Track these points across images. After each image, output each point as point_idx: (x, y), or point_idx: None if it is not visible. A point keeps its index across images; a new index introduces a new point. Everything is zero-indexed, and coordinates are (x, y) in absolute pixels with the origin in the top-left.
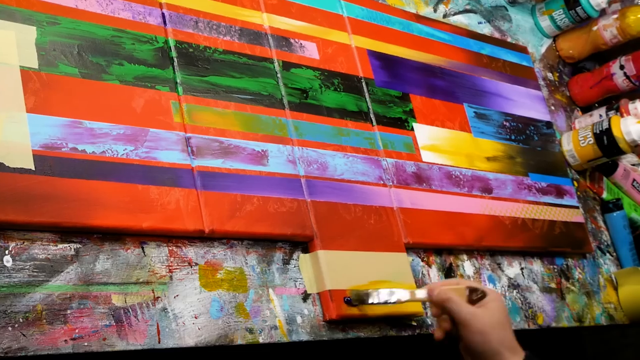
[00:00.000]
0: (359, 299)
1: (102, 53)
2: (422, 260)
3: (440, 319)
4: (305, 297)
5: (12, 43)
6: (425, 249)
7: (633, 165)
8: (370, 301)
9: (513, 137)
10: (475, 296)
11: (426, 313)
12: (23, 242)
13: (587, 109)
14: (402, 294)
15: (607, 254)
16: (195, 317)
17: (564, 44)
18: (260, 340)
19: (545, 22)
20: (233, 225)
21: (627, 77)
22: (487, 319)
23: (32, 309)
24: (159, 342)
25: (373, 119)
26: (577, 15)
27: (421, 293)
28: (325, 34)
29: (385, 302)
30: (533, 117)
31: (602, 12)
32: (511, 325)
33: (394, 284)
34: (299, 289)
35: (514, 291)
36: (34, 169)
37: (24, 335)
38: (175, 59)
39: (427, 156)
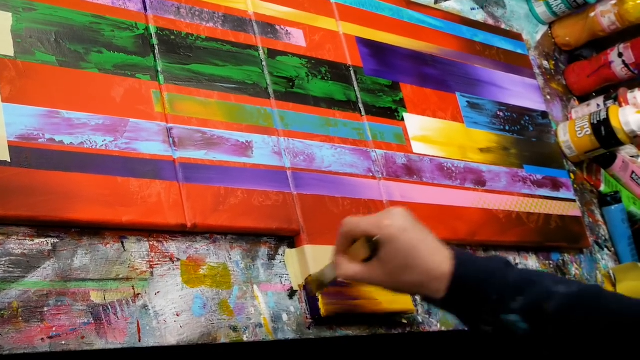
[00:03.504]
0: (317, 285)
1: (80, 40)
2: None
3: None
4: (292, 293)
5: None
6: None
7: (632, 157)
8: (325, 282)
9: (507, 128)
10: (372, 246)
11: (417, 310)
12: None
13: (584, 98)
14: (333, 270)
15: (605, 249)
16: (177, 315)
17: (560, 31)
18: (245, 339)
19: (540, 8)
20: (216, 219)
21: (626, 65)
22: (382, 271)
23: (7, 306)
24: (140, 341)
25: (362, 109)
26: (573, 1)
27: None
28: (312, 21)
29: (334, 279)
30: (528, 107)
31: None
32: (422, 250)
33: None
34: (284, 285)
35: None
36: (9, 160)
37: None
38: (156, 47)
39: (418, 147)
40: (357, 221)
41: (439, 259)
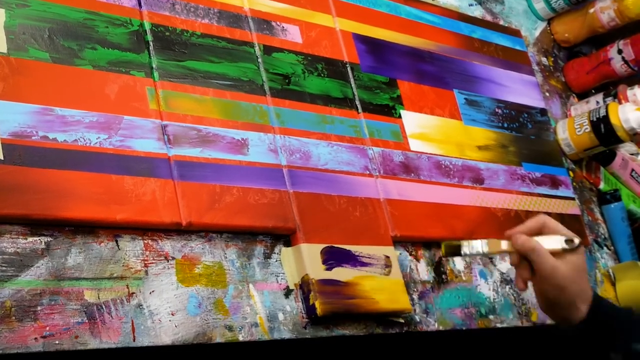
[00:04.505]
0: (452, 251)
1: (74, 37)
2: (410, 254)
3: (520, 267)
4: (288, 292)
5: None
6: (413, 243)
7: (631, 154)
8: (462, 252)
9: (506, 125)
10: (571, 245)
11: (414, 310)
12: None
13: (583, 95)
14: (490, 245)
15: (605, 248)
16: (172, 314)
17: (559, 27)
18: (240, 338)
19: (539, 4)
20: (212, 218)
21: (626, 62)
22: (568, 273)
23: (0, 306)
24: (134, 340)
25: (359, 106)
26: None
27: (505, 244)
28: (308, 17)
29: (477, 254)
30: (527, 104)
31: None
32: (587, 278)
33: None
34: (280, 284)
35: (507, 287)
36: (2, 158)
37: None
38: (150, 43)
39: (415, 145)
40: (541, 223)
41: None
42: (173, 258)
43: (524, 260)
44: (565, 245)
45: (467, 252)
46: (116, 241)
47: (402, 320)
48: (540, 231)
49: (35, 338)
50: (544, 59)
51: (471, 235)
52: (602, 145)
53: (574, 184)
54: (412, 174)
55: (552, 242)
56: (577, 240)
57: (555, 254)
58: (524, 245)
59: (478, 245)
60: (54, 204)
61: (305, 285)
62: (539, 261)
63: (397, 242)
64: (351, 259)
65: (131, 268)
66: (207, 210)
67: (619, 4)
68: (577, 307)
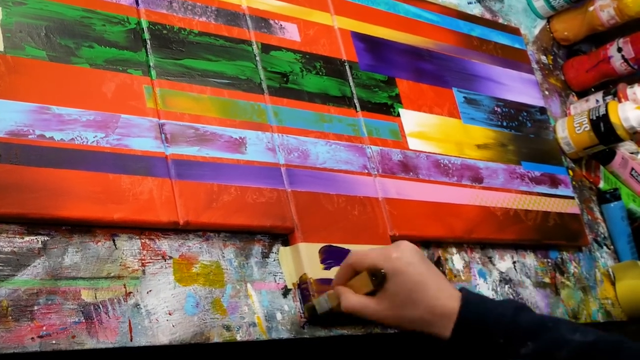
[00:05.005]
0: (310, 313)
1: (71, 35)
2: None
3: None
4: (286, 292)
5: None
6: (412, 242)
7: (631, 153)
8: (318, 311)
9: (505, 124)
10: (377, 279)
11: None
12: None
13: (583, 93)
14: (330, 299)
15: (604, 247)
16: (170, 314)
17: (558, 25)
18: (238, 338)
19: (538, 2)
20: (209, 217)
21: (626, 60)
22: (386, 311)
23: None
24: (131, 340)
25: (357, 105)
26: None
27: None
28: (306, 15)
29: (327, 309)
30: (526, 103)
31: None
32: (429, 285)
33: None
34: (278, 283)
35: (506, 286)
36: None
37: None
38: (148, 41)
39: (414, 144)
40: (365, 253)
41: (445, 296)
42: (170, 257)
43: None
44: (371, 286)
45: (320, 310)
46: (113, 240)
47: None
48: (356, 271)
49: (32, 338)
50: (543, 57)
51: (470, 234)
52: (601, 144)
53: (574, 183)
54: (411, 173)
55: (361, 283)
56: (382, 271)
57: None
58: (345, 307)
59: (323, 302)
60: (50, 203)
61: (303, 285)
62: (350, 309)
63: (396, 241)
64: None
65: (128, 267)
66: (204, 209)
67: (618, 2)
68: (429, 331)
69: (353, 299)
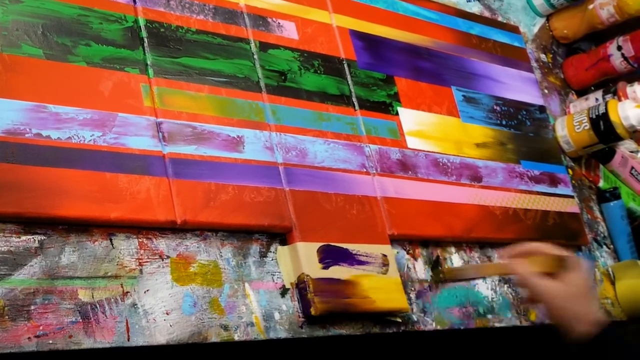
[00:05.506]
0: (452, 277)
1: (67, 33)
2: (408, 253)
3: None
4: (284, 292)
5: None
6: (410, 241)
7: (631, 152)
8: (464, 277)
9: (504, 122)
10: (563, 263)
11: (412, 309)
12: None
13: (582, 92)
14: (488, 269)
15: (604, 246)
16: (167, 313)
17: (558, 24)
18: (236, 338)
19: (538, 0)
20: (207, 216)
21: (625, 58)
22: (562, 294)
23: None
24: (128, 340)
25: (355, 103)
26: None
27: (497, 267)
28: (304, 13)
29: (475, 278)
30: (525, 101)
31: None
32: (592, 295)
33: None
34: (276, 283)
35: (505, 286)
36: None
37: None
38: (145, 39)
39: (412, 142)
40: (542, 244)
41: (598, 311)
42: (168, 257)
43: None
44: (555, 268)
45: (457, 277)
46: (110, 240)
47: (400, 320)
48: (531, 254)
49: (29, 337)
50: (542, 56)
51: (469, 233)
52: (601, 142)
53: (573, 182)
54: (410, 172)
55: (543, 263)
56: (569, 260)
57: (549, 273)
58: (509, 269)
59: (470, 271)
60: (47, 202)
61: (301, 285)
62: (525, 284)
63: (395, 240)
64: (348, 258)
65: (125, 267)
66: (202, 208)
67: (618, 0)
68: (573, 328)
69: (531, 271)
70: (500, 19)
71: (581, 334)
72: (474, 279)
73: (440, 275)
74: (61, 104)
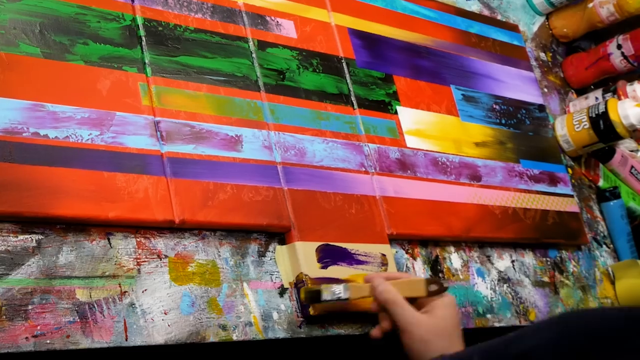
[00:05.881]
0: (311, 296)
1: (65, 32)
2: (407, 253)
3: (380, 315)
4: (282, 291)
5: None
6: (409, 241)
7: (631, 151)
8: (322, 298)
9: (503, 121)
10: (434, 288)
11: None
12: None
13: (582, 91)
14: (351, 291)
15: (604, 246)
16: (165, 313)
17: (557, 22)
18: (234, 338)
19: None
20: (205, 215)
21: (625, 57)
22: (432, 327)
23: None
24: (126, 340)
25: (354, 102)
26: None
27: (364, 289)
28: (303, 11)
29: (339, 299)
30: (525, 100)
31: None
32: (459, 332)
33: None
34: (275, 283)
35: (505, 285)
36: None
37: None
38: (143, 38)
39: (411, 141)
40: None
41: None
42: (166, 256)
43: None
44: (429, 288)
45: (327, 298)
46: (108, 239)
47: None
48: (400, 276)
49: (26, 337)
50: (542, 55)
51: (468, 232)
52: (601, 141)
53: (573, 181)
54: (409, 171)
55: (415, 286)
56: (444, 283)
57: (420, 301)
58: (382, 295)
59: (339, 290)
60: (45, 201)
61: (300, 284)
62: (398, 313)
63: (394, 240)
64: (347, 257)
65: (123, 266)
66: (200, 207)
67: None
68: None
69: (396, 293)
70: (499, 17)
71: None
72: (337, 300)
73: (302, 295)
74: (59, 103)
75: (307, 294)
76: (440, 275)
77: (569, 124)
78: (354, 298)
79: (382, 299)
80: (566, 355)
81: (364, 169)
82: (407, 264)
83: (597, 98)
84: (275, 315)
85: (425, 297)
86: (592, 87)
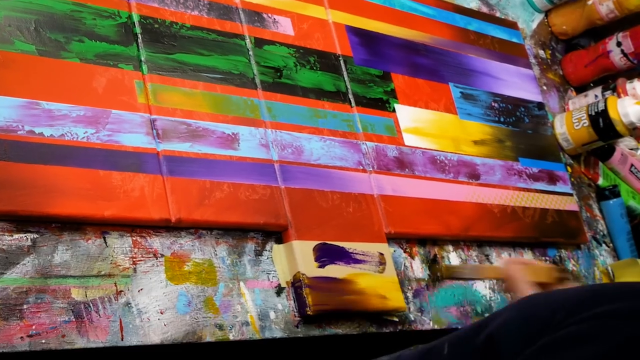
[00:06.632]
0: (449, 275)
1: (61, 29)
2: (405, 252)
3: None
4: (279, 291)
5: None
6: (408, 240)
7: (631, 149)
8: (461, 276)
9: (502, 119)
10: (563, 274)
11: (409, 308)
12: None
13: (581, 89)
14: (485, 270)
15: (603, 245)
16: (161, 313)
17: (557, 19)
18: (231, 337)
19: None
20: (201, 214)
21: (625, 54)
22: None
23: None
24: (122, 339)
25: (352, 100)
26: None
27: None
28: (300, 9)
29: (472, 278)
30: (523, 98)
31: None
32: None
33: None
34: (272, 282)
35: (503, 285)
36: None
37: None
38: (139, 35)
39: (409, 140)
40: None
41: None
42: (162, 255)
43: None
44: (554, 279)
45: (456, 275)
46: (104, 238)
47: (397, 319)
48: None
49: (21, 337)
50: (541, 52)
51: (467, 231)
52: (600, 140)
53: (572, 179)
54: (407, 170)
55: (542, 273)
56: (568, 273)
57: (544, 286)
58: (507, 271)
59: (469, 271)
60: (40, 200)
61: (297, 283)
62: (516, 289)
63: (392, 239)
64: (344, 256)
65: (119, 265)
66: (196, 206)
67: None
68: None
69: (526, 279)
70: (498, 14)
71: None
72: (471, 279)
73: (437, 273)
74: (54, 100)
75: (438, 270)
76: (438, 274)
77: (568, 122)
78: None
79: (506, 274)
80: (525, 327)
81: (361, 168)
82: (405, 263)
83: (596, 96)
84: (272, 315)
85: (553, 284)
86: (591, 84)
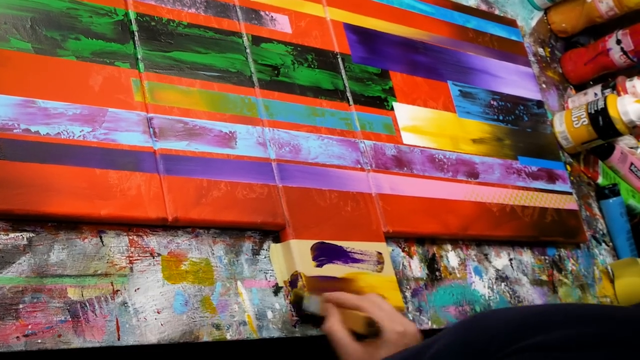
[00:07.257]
0: (296, 300)
1: (57, 27)
2: (403, 251)
3: None
4: (277, 290)
5: None
6: (406, 239)
7: (631, 147)
8: (303, 306)
9: (501, 118)
10: (371, 330)
11: (407, 308)
12: None
13: (581, 87)
14: (318, 305)
15: (603, 244)
16: (158, 312)
17: (556, 17)
18: (228, 337)
19: None
20: (198, 213)
21: (625, 52)
22: (357, 358)
23: None
24: (119, 339)
25: (350, 98)
26: None
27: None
28: (298, 6)
29: (313, 312)
30: (523, 96)
31: None
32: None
33: (372, 277)
34: (269, 281)
35: (502, 284)
36: None
37: None
38: (136, 33)
39: (408, 138)
40: (379, 305)
41: None
42: (159, 254)
43: None
44: (363, 332)
45: (305, 308)
46: (100, 237)
47: None
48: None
49: (17, 337)
50: (540, 50)
51: (466, 230)
52: (600, 138)
53: (572, 178)
54: (405, 168)
55: (355, 321)
56: (377, 326)
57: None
58: (326, 324)
59: (314, 304)
60: (36, 198)
61: (295, 283)
62: (336, 341)
63: (390, 238)
64: (342, 256)
65: (116, 265)
66: (193, 205)
67: None
68: None
69: (339, 328)
70: (497, 12)
71: None
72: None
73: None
74: (50, 99)
75: (295, 297)
76: (437, 274)
77: (568, 121)
78: (321, 314)
79: (327, 331)
80: (461, 356)
81: (359, 166)
82: (403, 262)
83: (596, 94)
84: (269, 314)
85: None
86: (591, 82)
